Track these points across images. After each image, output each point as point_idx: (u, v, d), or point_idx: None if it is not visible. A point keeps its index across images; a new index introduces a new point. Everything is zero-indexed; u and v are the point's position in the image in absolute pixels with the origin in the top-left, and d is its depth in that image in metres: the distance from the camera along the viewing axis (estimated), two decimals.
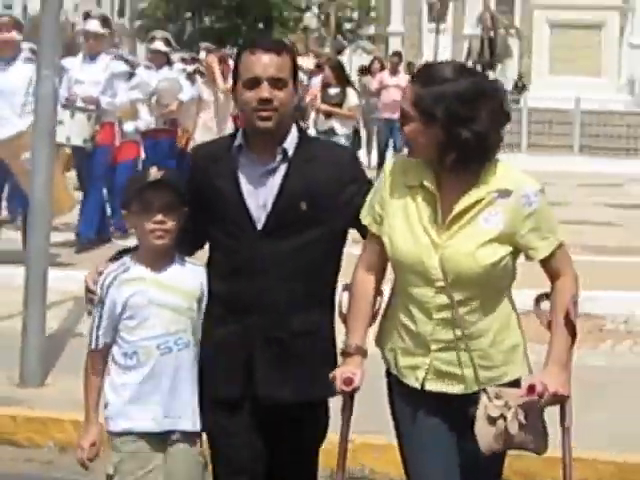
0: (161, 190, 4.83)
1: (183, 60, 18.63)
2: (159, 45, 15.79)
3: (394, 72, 25.41)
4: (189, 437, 4.96)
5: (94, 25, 13.41)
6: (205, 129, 14.53)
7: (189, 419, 4.95)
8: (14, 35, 12.37)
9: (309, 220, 4.76)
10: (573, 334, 4.55)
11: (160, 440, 4.92)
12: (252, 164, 4.84)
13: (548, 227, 4.52)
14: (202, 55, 20.58)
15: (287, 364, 4.80)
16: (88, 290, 5.03)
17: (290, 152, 4.84)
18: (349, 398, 4.67)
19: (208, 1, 45.23)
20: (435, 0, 51.46)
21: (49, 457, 7.52)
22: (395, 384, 4.64)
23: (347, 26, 51.00)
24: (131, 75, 14.98)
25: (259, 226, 4.78)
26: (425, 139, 4.39)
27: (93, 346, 4.96)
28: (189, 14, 46.21)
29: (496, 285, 4.54)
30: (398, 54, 28.11)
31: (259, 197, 4.81)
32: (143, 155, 15.47)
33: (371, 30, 53.37)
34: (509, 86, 40.20)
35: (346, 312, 4.74)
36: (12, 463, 7.44)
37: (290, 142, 4.85)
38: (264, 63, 4.77)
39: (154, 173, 4.87)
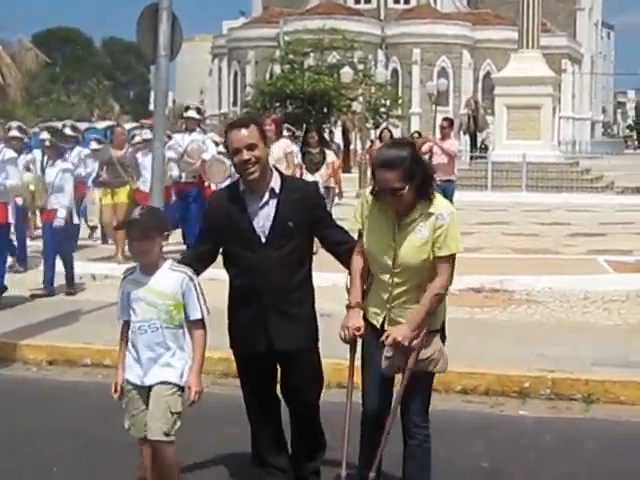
0: (137, 225, 4.64)
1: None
2: (192, 113, 13.58)
3: (444, 138, 16.89)
4: (164, 386, 4.70)
5: None
6: None
7: (164, 376, 4.69)
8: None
9: (293, 233, 4.66)
10: (427, 312, 4.40)
11: (145, 390, 4.75)
12: (252, 201, 4.69)
13: (450, 238, 4.39)
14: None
15: (289, 326, 4.71)
16: None
17: (277, 190, 4.69)
18: (354, 341, 4.58)
19: (290, 95, 45.56)
20: (434, 92, 51.72)
21: None
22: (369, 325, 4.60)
23: (382, 109, 51.16)
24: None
25: (263, 239, 4.67)
26: None
27: (117, 319, 4.86)
28: (278, 104, 46.54)
29: (422, 273, 4.47)
30: (448, 119, 17.99)
31: (260, 221, 4.67)
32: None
33: (398, 111, 53.38)
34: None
35: (348, 284, 4.65)
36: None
37: (275, 183, 4.71)
38: (239, 137, 4.63)
39: (135, 213, 4.69)
